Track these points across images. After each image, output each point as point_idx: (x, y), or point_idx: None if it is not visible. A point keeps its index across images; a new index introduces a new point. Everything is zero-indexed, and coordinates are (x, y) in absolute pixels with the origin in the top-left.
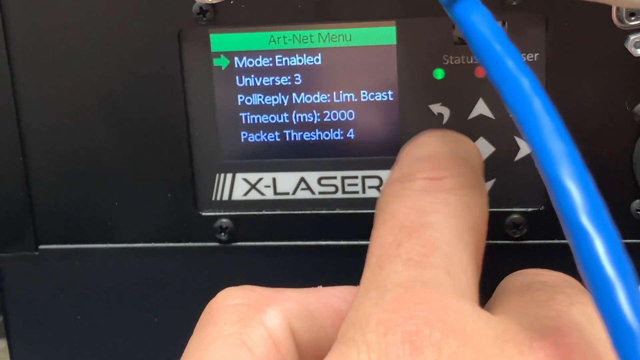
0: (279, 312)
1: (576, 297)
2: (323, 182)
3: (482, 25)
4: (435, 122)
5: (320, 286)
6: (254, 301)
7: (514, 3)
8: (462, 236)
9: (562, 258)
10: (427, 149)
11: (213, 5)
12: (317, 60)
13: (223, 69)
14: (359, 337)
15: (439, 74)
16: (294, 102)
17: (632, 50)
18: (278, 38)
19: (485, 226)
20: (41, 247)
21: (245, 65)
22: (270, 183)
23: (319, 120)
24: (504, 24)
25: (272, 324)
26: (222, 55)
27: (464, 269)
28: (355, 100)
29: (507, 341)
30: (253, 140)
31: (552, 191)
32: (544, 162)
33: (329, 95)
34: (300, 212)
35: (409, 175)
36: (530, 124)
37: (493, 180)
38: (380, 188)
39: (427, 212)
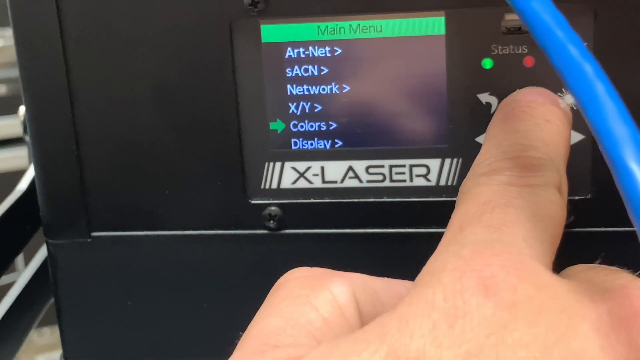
0: (345, 281)
1: (636, 277)
2: (371, 170)
3: (544, 13)
4: (483, 112)
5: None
6: (321, 273)
7: None
8: (542, 220)
9: (610, 246)
10: (515, 143)
11: None
12: (366, 50)
13: (273, 59)
14: (435, 280)
15: (487, 63)
16: (342, 91)
17: None
18: (327, 28)
19: (562, 227)
20: (93, 234)
21: (295, 56)
22: (319, 171)
23: (367, 109)
24: None
25: (338, 290)
26: (272, 46)
27: (540, 241)
28: (404, 89)
29: (579, 292)
30: (302, 129)
31: (616, 174)
32: (608, 145)
33: (378, 84)
34: (348, 200)
35: (496, 171)
36: (594, 109)
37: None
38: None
39: (514, 196)
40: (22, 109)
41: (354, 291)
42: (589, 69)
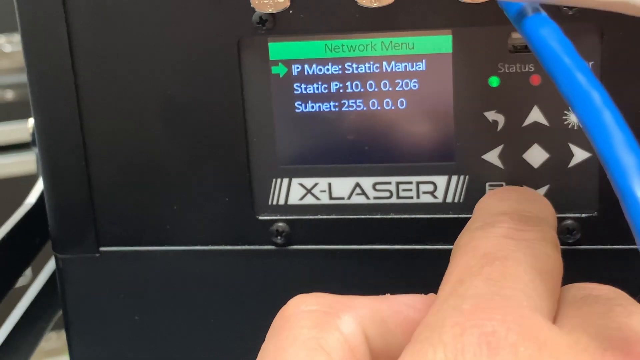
0: (354, 318)
1: (631, 308)
2: (378, 187)
3: (552, 40)
4: (490, 129)
5: (388, 294)
6: (328, 307)
7: (570, 13)
8: (541, 275)
9: (616, 263)
10: (508, 205)
11: (273, 14)
12: (373, 68)
13: (281, 76)
14: (435, 337)
15: (494, 81)
16: (349, 109)
17: None
18: (334, 46)
19: (560, 282)
20: (102, 249)
21: (302, 73)
22: (326, 188)
23: (374, 126)
24: None
25: (348, 330)
26: (280, 63)
27: (538, 294)
28: (411, 106)
29: (580, 351)
30: (310, 146)
31: (623, 202)
32: (616, 174)
33: (384, 102)
34: (354, 216)
35: (492, 224)
36: (602, 137)
37: (547, 187)
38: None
39: (511, 249)
40: (31, 121)
41: (363, 328)
42: (597, 97)
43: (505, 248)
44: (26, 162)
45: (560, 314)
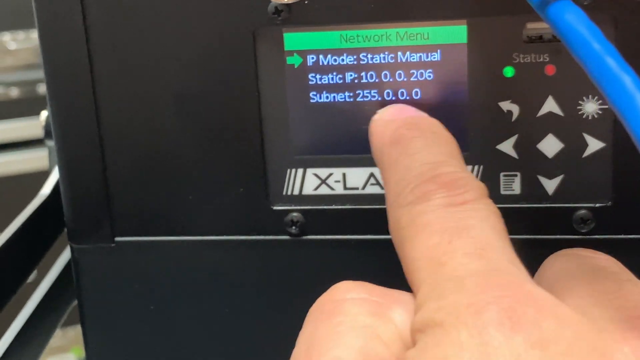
0: (406, 312)
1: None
2: None
3: (579, 25)
4: (504, 119)
5: None
6: (379, 297)
7: (585, 3)
8: (500, 235)
9: (630, 253)
10: (423, 160)
11: (288, 5)
12: (387, 58)
13: (296, 67)
14: (452, 319)
15: (509, 71)
16: (364, 99)
17: None
18: (349, 37)
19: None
20: (117, 239)
21: (317, 64)
22: (341, 178)
23: None
24: None
25: (402, 324)
26: (295, 54)
27: (518, 261)
28: (426, 96)
29: (601, 330)
30: (324, 136)
31: None
32: None
33: (399, 92)
34: (369, 206)
35: (425, 198)
36: (636, 121)
37: (561, 176)
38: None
39: (462, 217)
40: (43, 114)
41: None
42: (629, 81)
43: (455, 218)
44: (33, 159)
45: (569, 287)
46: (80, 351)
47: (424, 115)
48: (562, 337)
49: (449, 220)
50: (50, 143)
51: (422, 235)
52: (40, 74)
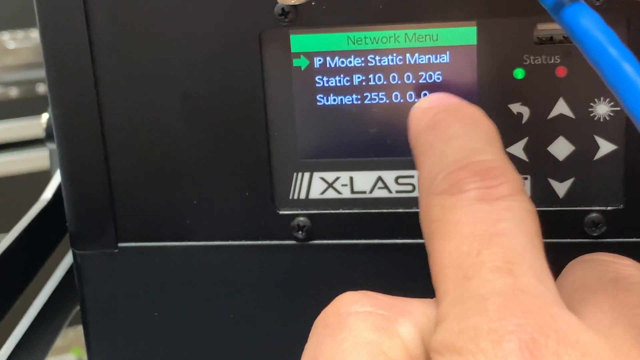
0: (413, 325)
1: None
2: (400, 180)
3: (595, 30)
4: (514, 122)
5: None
6: (385, 310)
7: (597, 4)
8: (533, 241)
9: None
10: (459, 147)
11: (295, 6)
12: (396, 60)
13: (302, 69)
14: (472, 346)
15: (519, 73)
16: (372, 102)
17: None
18: (356, 38)
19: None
20: (120, 244)
21: (325, 66)
22: (348, 182)
23: (397, 119)
24: None
25: (409, 338)
26: (301, 56)
27: (547, 274)
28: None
29: (621, 355)
30: (331, 139)
31: None
32: None
33: (407, 95)
34: (377, 210)
35: (458, 187)
36: None
37: (572, 179)
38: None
39: (495, 219)
40: (44, 116)
41: (421, 336)
42: None
43: (489, 219)
44: (32, 159)
45: (589, 300)
46: (80, 351)
47: (464, 102)
48: None
49: (481, 223)
50: (52, 146)
51: (452, 239)
52: (39, 73)
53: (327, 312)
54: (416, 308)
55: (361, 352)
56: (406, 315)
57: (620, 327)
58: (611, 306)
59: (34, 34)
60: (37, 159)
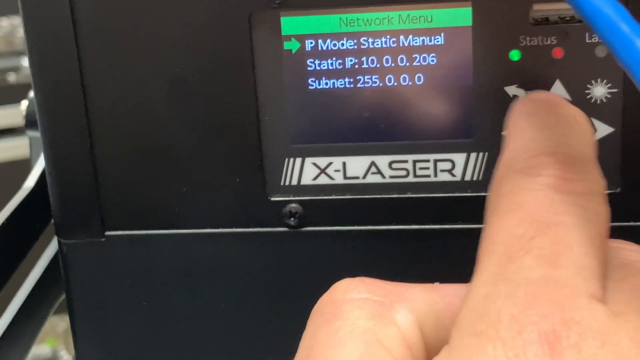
0: (410, 312)
1: None
2: (394, 165)
3: (605, 6)
4: (510, 105)
5: (437, 283)
6: (382, 297)
7: None
8: (593, 242)
9: None
10: (549, 137)
11: None
12: (389, 42)
13: (293, 52)
14: (492, 331)
15: (515, 55)
16: (364, 85)
17: None
18: (349, 20)
19: (608, 236)
20: (107, 233)
21: (316, 49)
22: (340, 167)
23: (390, 102)
24: None
25: (406, 325)
26: (292, 39)
27: (593, 272)
28: (429, 81)
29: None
30: (323, 124)
31: None
32: None
33: (401, 78)
34: (370, 196)
35: (536, 170)
36: None
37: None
38: (494, 172)
39: (561, 211)
40: (24, 103)
41: (419, 323)
42: None
43: (554, 209)
44: (7, 149)
45: (610, 286)
46: (54, 342)
47: (569, 103)
48: (601, 359)
49: (545, 210)
50: (32, 133)
51: (512, 218)
52: (10, 62)
53: (324, 300)
54: (414, 294)
55: (356, 340)
56: (403, 302)
57: (637, 307)
58: (629, 289)
59: (4, 23)
60: (11, 148)
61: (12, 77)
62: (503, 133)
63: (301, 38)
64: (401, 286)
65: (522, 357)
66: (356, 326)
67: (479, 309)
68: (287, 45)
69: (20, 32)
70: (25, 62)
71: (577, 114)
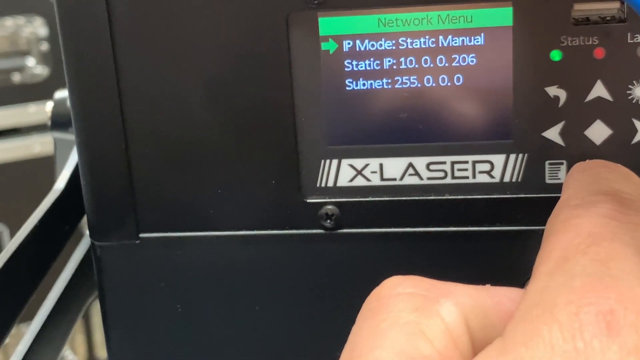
0: (455, 305)
1: None
2: (432, 167)
3: None
4: (551, 105)
5: (488, 285)
6: (427, 291)
7: None
8: None
9: None
10: (606, 184)
11: None
12: (428, 43)
13: (331, 53)
14: (548, 315)
15: (556, 55)
16: (402, 86)
17: None
18: (387, 21)
19: None
20: (142, 235)
21: (354, 49)
22: (377, 169)
23: (429, 103)
24: None
25: (450, 318)
26: (330, 39)
27: None
28: (468, 82)
29: None
30: (360, 125)
31: None
32: None
33: (439, 78)
34: (407, 198)
35: (593, 204)
36: None
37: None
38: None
39: (616, 232)
40: (49, 105)
41: (465, 317)
42: None
43: (611, 229)
44: (13, 149)
45: None
46: None
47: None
48: None
49: (601, 229)
50: (57, 134)
51: (570, 233)
52: (15, 62)
53: (372, 296)
54: (461, 290)
55: (398, 331)
56: (448, 296)
57: None
58: None
59: (8, 23)
60: (18, 148)
61: (16, 77)
62: (543, 134)
63: (339, 39)
64: (449, 284)
65: (579, 337)
66: (399, 318)
67: (535, 298)
68: (324, 45)
69: (25, 32)
70: (29, 62)
71: (631, 173)
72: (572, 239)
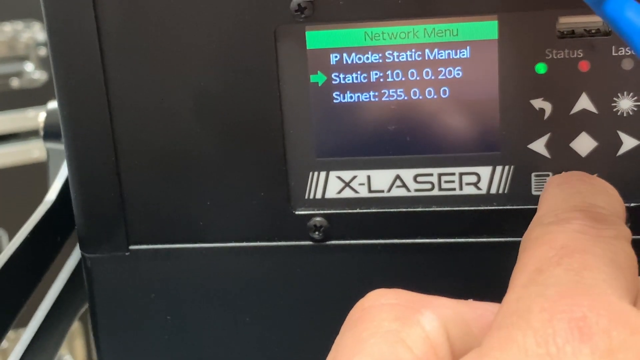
0: (436, 315)
1: None
2: (419, 179)
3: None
4: (536, 118)
5: (470, 299)
6: (409, 302)
7: None
8: (621, 270)
9: None
10: (580, 199)
11: (311, 1)
12: (415, 56)
13: (319, 66)
14: (523, 322)
15: (541, 68)
16: (389, 99)
17: None
18: (374, 34)
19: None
20: (132, 247)
21: (341, 62)
22: (365, 181)
23: (415, 116)
24: None
25: (430, 327)
26: (317, 52)
27: (621, 287)
28: (455, 95)
29: None
30: (347, 137)
31: None
32: None
33: (426, 91)
34: (395, 209)
35: (566, 220)
36: None
37: (595, 176)
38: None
39: (590, 245)
40: (42, 115)
41: (445, 326)
42: None
43: (583, 242)
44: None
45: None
46: None
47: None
48: (631, 345)
49: (574, 242)
50: (50, 145)
51: (543, 247)
52: (13, 67)
53: (355, 307)
54: (443, 302)
55: (378, 339)
56: (430, 307)
57: None
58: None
59: (7, 28)
60: (15, 153)
61: (15, 82)
62: (529, 146)
63: (326, 51)
64: (430, 296)
65: (552, 342)
66: (381, 327)
67: (511, 308)
68: (311, 59)
69: (23, 37)
70: (28, 67)
71: (607, 185)
72: (546, 252)
